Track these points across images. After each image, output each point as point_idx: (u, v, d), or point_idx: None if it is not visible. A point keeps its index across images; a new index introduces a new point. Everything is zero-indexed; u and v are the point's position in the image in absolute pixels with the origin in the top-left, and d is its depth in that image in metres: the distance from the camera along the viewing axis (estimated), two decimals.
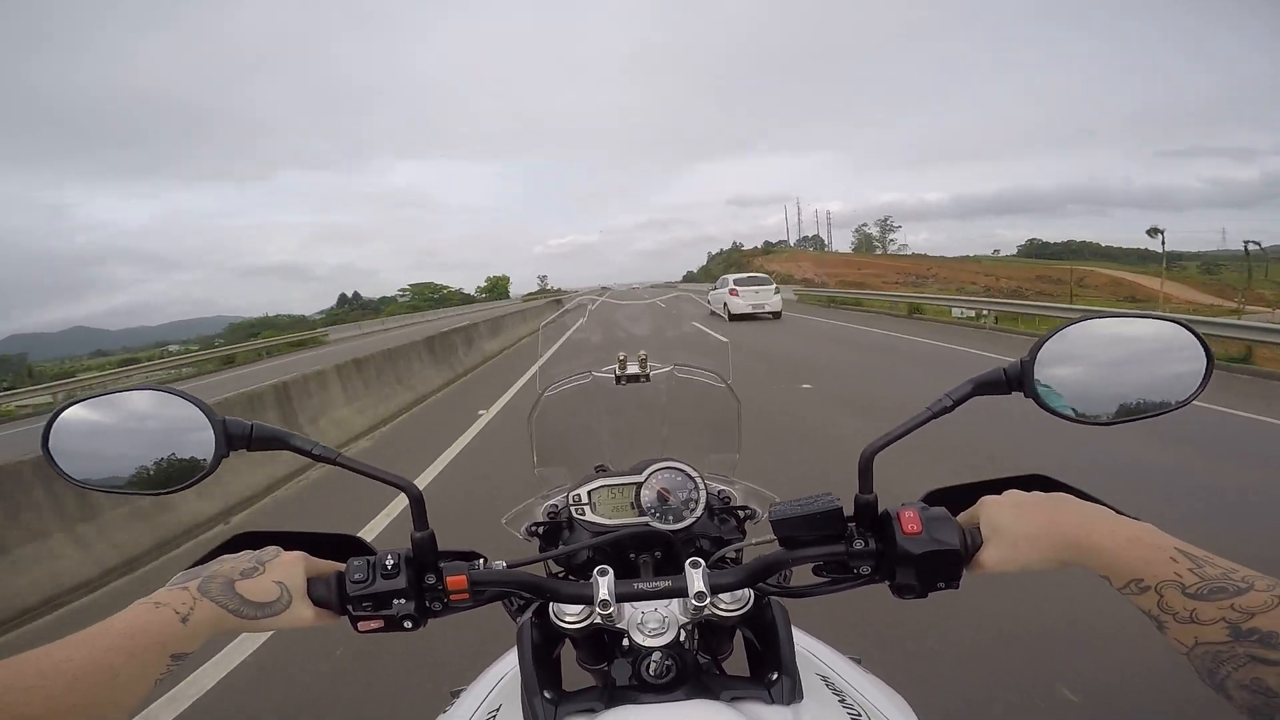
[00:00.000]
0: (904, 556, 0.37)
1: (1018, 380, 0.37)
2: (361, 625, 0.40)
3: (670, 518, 0.51)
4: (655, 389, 0.70)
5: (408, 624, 0.40)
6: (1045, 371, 0.36)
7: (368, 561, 0.40)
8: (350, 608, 0.40)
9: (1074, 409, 0.36)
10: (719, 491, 0.59)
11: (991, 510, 0.36)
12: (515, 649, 0.44)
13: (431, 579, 0.41)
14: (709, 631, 0.48)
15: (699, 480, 0.52)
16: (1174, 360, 0.36)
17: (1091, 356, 0.36)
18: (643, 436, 0.70)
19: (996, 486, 0.39)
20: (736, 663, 0.48)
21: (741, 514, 0.58)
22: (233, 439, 0.39)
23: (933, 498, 0.41)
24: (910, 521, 0.37)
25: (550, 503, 0.60)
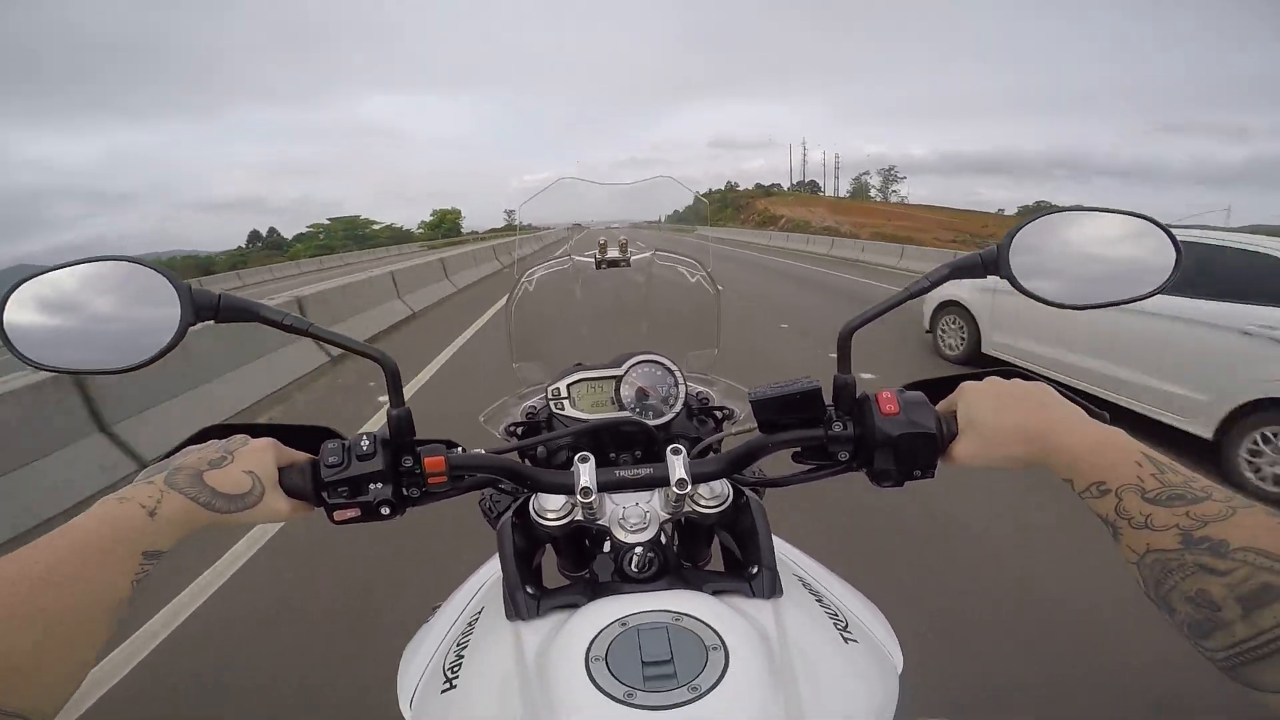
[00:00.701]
0: (881, 439, 0.42)
1: (993, 264, 0.42)
2: (337, 515, 0.43)
3: (650, 413, 0.57)
4: (635, 277, 0.75)
5: (385, 510, 0.43)
6: (1020, 257, 0.42)
7: (342, 444, 0.43)
8: (325, 495, 0.42)
9: (1048, 292, 0.43)
10: (698, 392, 0.65)
11: (970, 397, 0.42)
12: (493, 559, 0.48)
13: (409, 462, 0.44)
14: (687, 535, 0.55)
15: (679, 375, 0.58)
16: (1145, 253, 0.42)
17: (1065, 246, 0.43)
18: (622, 331, 0.76)
19: (979, 377, 0.45)
20: (714, 569, 0.55)
21: (719, 414, 0.64)
22: (199, 309, 0.40)
23: (917, 386, 0.47)
24: (888, 402, 0.42)
25: (529, 402, 0.65)
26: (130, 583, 0.34)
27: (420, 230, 56.65)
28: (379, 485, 0.43)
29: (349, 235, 51.65)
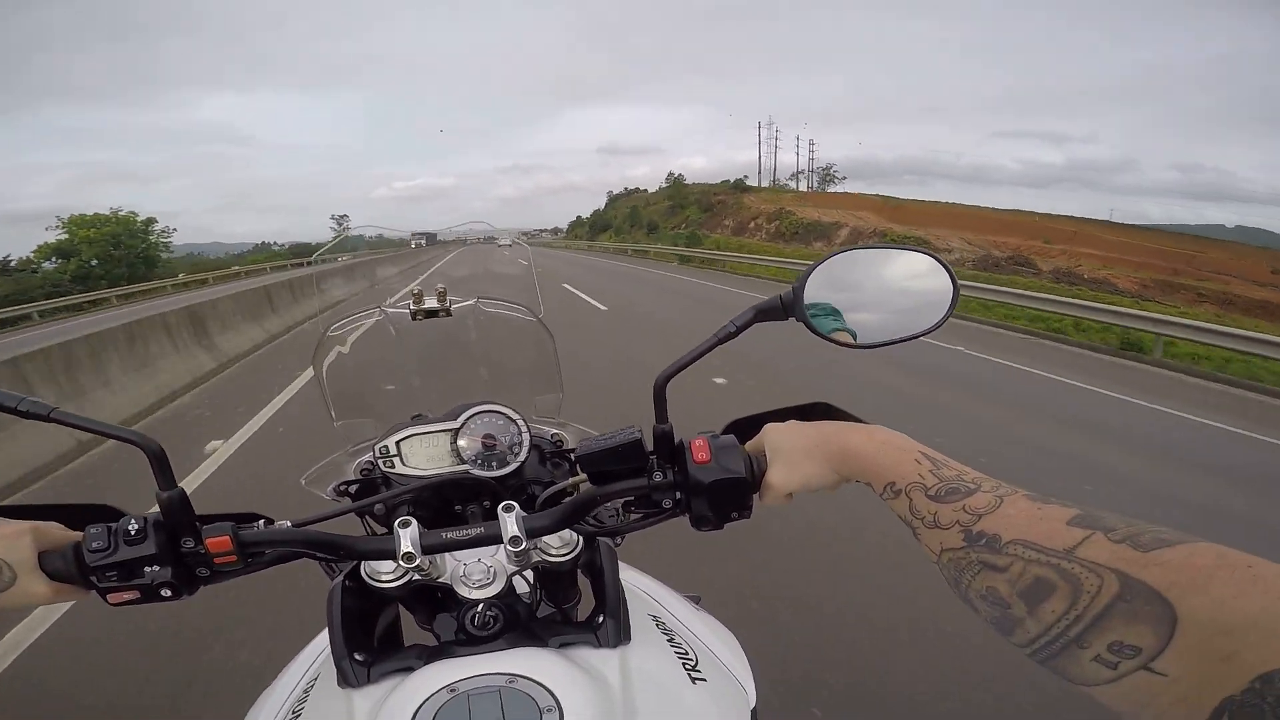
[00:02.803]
0: (696, 486, 0.82)
1: (791, 306, 0.87)
2: (112, 598, 0.76)
3: (494, 464, 1.01)
4: (462, 326, 1.25)
5: (166, 592, 0.76)
6: (814, 298, 0.88)
7: (107, 528, 0.75)
8: (95, 579, 0.74)
9: (840, 334, 0.89)
10: (552, 435, 1.13)
11: (772, 435, 0.85)
12: None
13: (190, 543, 0.77)
14: (551, 581, 0.95)
15: (521, 423, 1.03)
16: (928, 290, 0.90)
17: (856, 285, 0.91)
18: (461, 381, 1.27)
19: (783, 416, 0.90)
20: (586, 610, 0.95)
21: (575, 457, 1.08)
22: None
23: (732, 428, 0.91)
24: (700, 450, 0.84)
25: (364, 458, 1.08)
26: None
27: (36, 260, 48.49)
28: (156, 568, 0.76)
29: None
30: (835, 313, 0.90)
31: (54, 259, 48.89)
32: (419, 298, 1.23)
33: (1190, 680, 0.42)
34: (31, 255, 50.06)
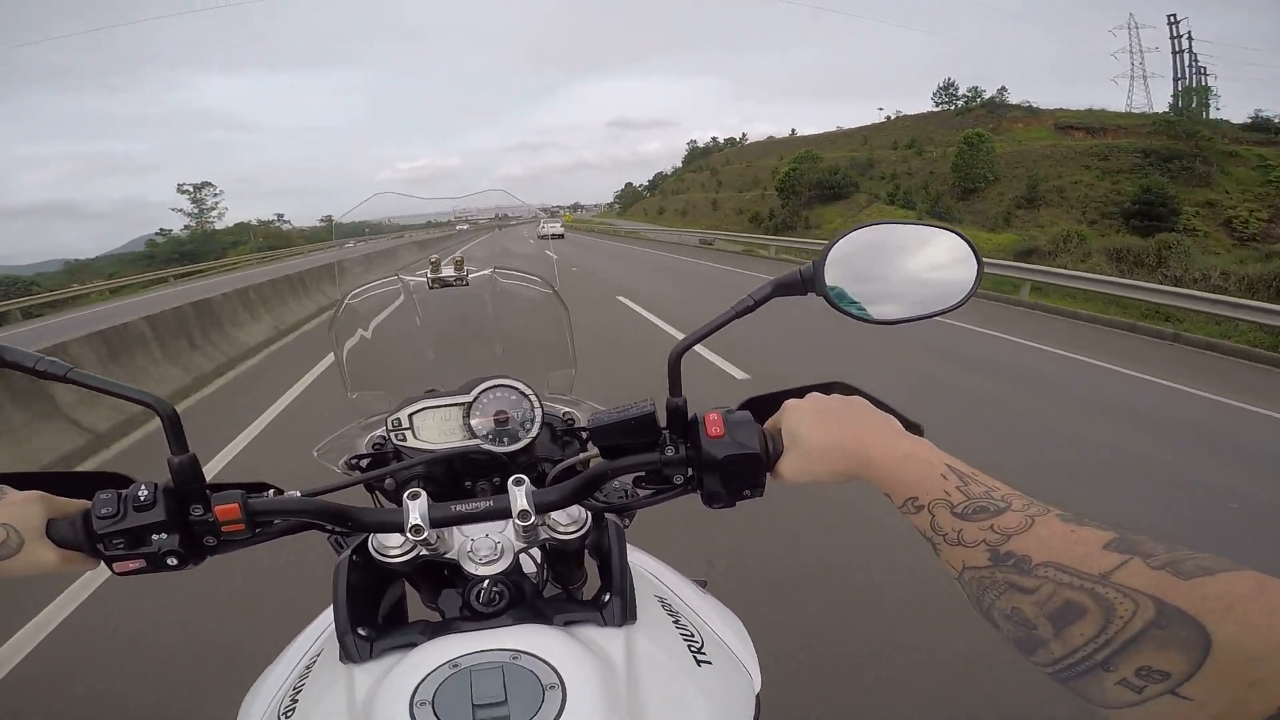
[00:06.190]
0: (709, 461, 0.81)
1: (811, 281, 0.86)
2: (118, 566, 0.76)
3: (505, 440, 1.02)
4: (478, 298, 1.27)
5: (172, 561, 0.77)
6: (835, 273, 0.87)
7: (117, 494, 0.76)
8: (102, 547, 0.75)
9: (862, 309, 0.88)
10: (563, 413, 1.14)
11: (792, 416, 0.83)
12: None
13: (199, 511, 0.78)
14: (559, 559, 0.96)
15: (534, 399, 1.03)
16: (952, 266, 0.89)
17: (878, 261, 0.89)
18: (475, 356, 1.29)
19: (803, 393, 0.88)
20: (592, 591, 0.95)
21: (585, 434, 1.11)
22: None
23: (748, 404, 0.90)
24: (714, 425, 0.83)
25: (376, 433, 1.10)
26: None
27: None
28: (163, 536, 0.77)
29: None
30: (856, 288, 0.89)
31: None
32: (436, 266, 1.25)
33: (1217, 706, 0.42)
34: None
